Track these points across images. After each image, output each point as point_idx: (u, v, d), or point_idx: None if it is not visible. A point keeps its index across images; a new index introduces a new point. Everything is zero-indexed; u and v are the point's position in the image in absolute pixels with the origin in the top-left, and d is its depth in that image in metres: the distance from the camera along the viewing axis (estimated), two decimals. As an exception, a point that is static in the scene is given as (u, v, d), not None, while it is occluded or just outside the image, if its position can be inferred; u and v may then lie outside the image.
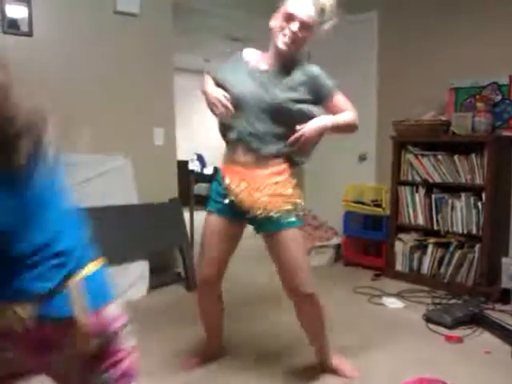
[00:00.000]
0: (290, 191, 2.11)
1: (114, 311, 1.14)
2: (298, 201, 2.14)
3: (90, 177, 3.44)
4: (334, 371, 2.35)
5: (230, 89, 2.13)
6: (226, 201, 2.16)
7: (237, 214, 2.17)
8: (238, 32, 6.51)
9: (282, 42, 2.04)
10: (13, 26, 3.25)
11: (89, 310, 1.07)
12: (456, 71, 3.88)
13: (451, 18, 3.93)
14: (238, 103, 2.09)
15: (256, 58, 2.21)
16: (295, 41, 2.03)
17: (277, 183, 2.10)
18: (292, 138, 2.07)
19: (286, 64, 2.12)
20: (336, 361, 2.36)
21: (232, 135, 2.16)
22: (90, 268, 1.14)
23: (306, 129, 2.05)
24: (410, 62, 4.23)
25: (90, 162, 3.48)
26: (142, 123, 3.88)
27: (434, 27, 4.04)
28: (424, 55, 4.12)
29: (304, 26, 2.02)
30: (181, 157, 4.80)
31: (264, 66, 2.16)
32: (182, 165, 5.23)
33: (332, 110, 2.14)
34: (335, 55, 4.85)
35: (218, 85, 2.20)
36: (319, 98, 2.13)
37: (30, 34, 3.31)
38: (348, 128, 2.20)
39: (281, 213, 2.07)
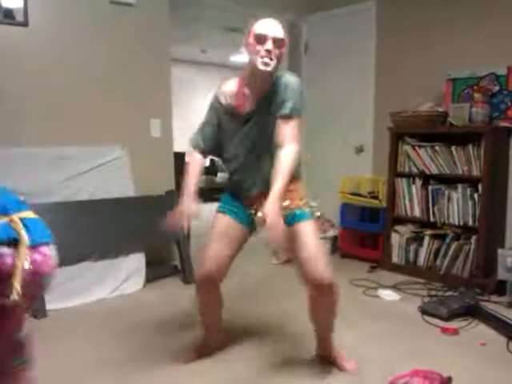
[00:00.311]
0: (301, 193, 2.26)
1: (53, 253, 1.37)
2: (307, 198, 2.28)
3: (87, 169, 3.43)
4: (335, 364, 2.36)
5: (223, 153, 2.33)
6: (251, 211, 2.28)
7: (249, 221, 2.29)
8: (235, 22, 6.46)
9: (261, 63, 2.04)
10: (8, 15, 3.23)
11: (29, 242, 1.30)
12: (454, 62, 3.87)
13: (449, 9, 3.91)
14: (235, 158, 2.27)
15: (234, 96, 2.20)
16: (273, 58, 2.04)
17: (291, 191, 2.16)
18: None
19: (266, 86, 2.14)
20: (337, 354, 2.38)
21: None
22: (27, 214, 1.36)
23: (270, 221, 1.90)
24: (407, 52, 4.22)
25: (86, 154, 3.47)
26: (139, 114, 3.87)
27: (431, 17, 4.02)
28: (422, 45, 4.11)
29: (277, 42, 2.05)
30: (178, 148, 4.78)
31: (246, 107, 2.17)
32: (179, 156, 5.20)
33: (282, 132, 2.08)
34: (333, 45, 4.85)
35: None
36: (276, 105, 2.11)
37: (25, 24, 3.29)
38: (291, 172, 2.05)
39: (295, 208, 2.17)
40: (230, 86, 2.23)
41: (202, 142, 2.33)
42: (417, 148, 3.84)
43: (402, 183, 3.95)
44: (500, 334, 2.72)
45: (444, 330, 2.76)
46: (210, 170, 8.84)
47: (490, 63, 3.67)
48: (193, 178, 2.29)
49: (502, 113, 3.65)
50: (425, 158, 3.80)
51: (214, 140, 2.32)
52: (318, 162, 4.97)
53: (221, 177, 8.87)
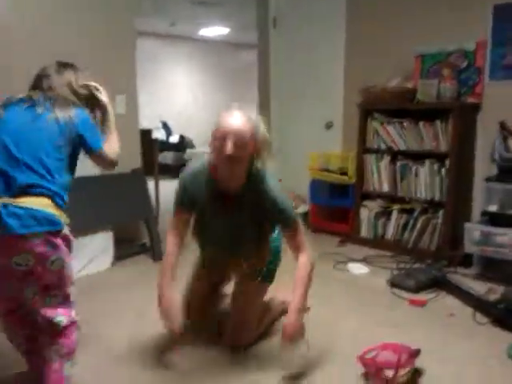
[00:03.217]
0: None
1: None
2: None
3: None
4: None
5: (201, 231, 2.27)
6: None
7: None
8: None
9: (223, 170, 1.98)
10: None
11: None
12: (423, 37, 3.86)
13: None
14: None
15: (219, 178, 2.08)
16: (235, 164, 1.94)
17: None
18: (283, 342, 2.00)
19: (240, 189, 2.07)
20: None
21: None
22: None
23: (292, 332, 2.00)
24: (378, 27, 4.17)
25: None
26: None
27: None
28: (392, 21, 4.08)
29: (238, 144, 1.91)
30: (144, 125, 4.68)
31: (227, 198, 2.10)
32: (146, 133, 5.10)
33: (291, 244, 2.14)
34: (302, 19, 4.77)
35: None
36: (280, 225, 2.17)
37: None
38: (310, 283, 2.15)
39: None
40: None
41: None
42: (385, 124, 3.85)
43: (370, 159, 3.97)
44: (466, 305, 2.78)
45: (412, 302, 2.81)
46: (179, 147, 8.72)
47: (458, 39, 3.67)
48: (172, 258, 2.15)
49: (469, 88, 3.67)
50: (393, 134, 3.81)
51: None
52: (287, 137, 4.95)
53: (190, 153, 8.77)
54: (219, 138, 1.92)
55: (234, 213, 2.10)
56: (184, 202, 2.16)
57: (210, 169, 2.09)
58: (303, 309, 2.04)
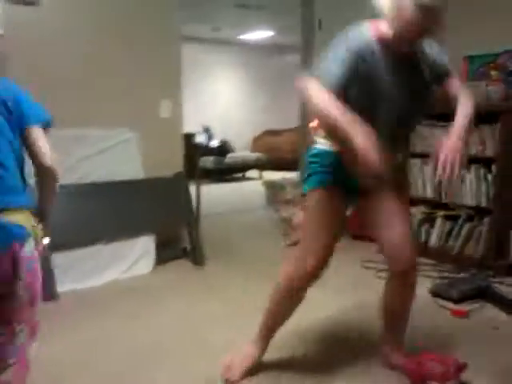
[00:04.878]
0: None
1: None
2: None
3: (96, 151, 3.41)
4: (398, 368, 2.13)
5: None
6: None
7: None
8: None
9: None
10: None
11: None
12: (471, 39, 3.75)
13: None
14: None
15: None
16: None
17: None
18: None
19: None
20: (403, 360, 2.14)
21: None
22: None
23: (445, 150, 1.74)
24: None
25: (95, 136, 3.45)
26: (148, 95, 3.83)
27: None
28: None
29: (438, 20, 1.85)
30: (188, 129, 4.75)
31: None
32: (188, 137, 5.18)
33: (452, 88, 1.98)
34: (348, 22, 4.69)
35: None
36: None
37: (35, 3, 3.22)
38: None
39: None
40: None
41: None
42: (431, 128, 3.76)
43: (415, 164, 3.90)
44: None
45: (455, 313, 2.74)
46: (220, 151, 8.81)
47: (507, 40, 3.55)
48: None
49: (518, 91, 3.54)
50: (439, 138, 3.72)
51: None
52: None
53: (230, 157, 8.84)
54: (421, 10, 1.72)
55: (409, 71, 1.87)
56: (344, 74, 1.77)
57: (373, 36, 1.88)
58: (467, 131, 1.79)
